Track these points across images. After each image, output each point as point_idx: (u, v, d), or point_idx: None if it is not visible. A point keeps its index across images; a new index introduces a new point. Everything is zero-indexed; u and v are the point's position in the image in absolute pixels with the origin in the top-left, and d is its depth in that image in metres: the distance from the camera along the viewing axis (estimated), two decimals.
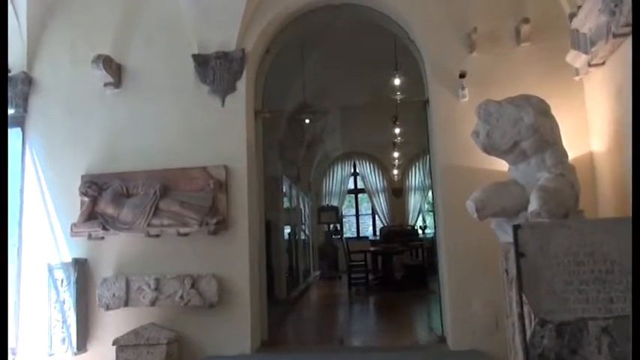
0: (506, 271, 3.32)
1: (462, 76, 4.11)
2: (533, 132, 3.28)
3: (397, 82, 5.98)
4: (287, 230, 9.49)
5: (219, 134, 4.43)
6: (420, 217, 14.54)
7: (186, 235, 4.23)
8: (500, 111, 3.39)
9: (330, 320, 6.42)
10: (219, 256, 4.26)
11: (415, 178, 14.51)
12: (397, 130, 8.82)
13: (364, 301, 8.01)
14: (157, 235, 4.25)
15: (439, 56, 4.29)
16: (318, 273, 12.26)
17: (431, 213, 15.04)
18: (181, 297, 4.12)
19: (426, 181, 14.38)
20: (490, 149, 3.43)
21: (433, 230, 12.67)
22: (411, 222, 14.22)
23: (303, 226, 11.74)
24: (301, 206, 11.46)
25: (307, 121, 7.58)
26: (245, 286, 4.24)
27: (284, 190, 9.33)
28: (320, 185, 14.57)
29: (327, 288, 10.18)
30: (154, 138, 4.49)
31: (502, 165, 3.86)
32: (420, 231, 13.85)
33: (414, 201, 14.45)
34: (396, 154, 11.21)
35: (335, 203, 14.12)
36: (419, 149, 13.77)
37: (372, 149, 14.36)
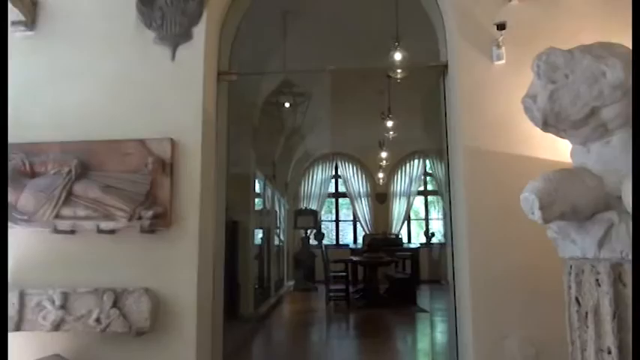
0: (577, 300, 2.24)
1: (501, 28, 3.02)
2: (622, 95, 2.20)
3: (398, 56, 4.90)
4: (259, 235, 8.32)
5: (165, 97, 3.25)
6: (405, 225, 13.54)
7: (110, 232, 3.02)
8: (572, 63, 2.30)
9: (304, 345, 5.25)
10: (156, 264, 3.07)
11: (402, 182, 13.51)
12: (389, 124, 7.73)
13: (344, 320, 6.88)
14: (69, 232, 3.03)
15: (467, 3, 3.21)
16: (292, 283, 11.07)
17: (416, 221, 14.08)
18: (97, 320, 2.91)
19: (413, 186, 13.40)
20: (554, 119, 2.33)
21: (443, 238, 11.67)
22: (394, 230, 13.18)
23: (277, 231, 10.58)
24: (276, 208, 10.29)
25: (287, 104, 6.43)
26: (191, 306, 3.05)
27: (256, 189, 8.17)
28: (298, 187, 13.44)
29: (302, 301, 9.01)
30: (76, 98, 3.27)
31: (559, 151, 2.82)
32: (407, 239, 12.89)
33: (399, 207, 13.42)
34: (383, 154, 10.16)
35: (314, 207, 13.00)
36: (411, 147, 12.81)
37: (356, 150, 13.34)
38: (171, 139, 3.16)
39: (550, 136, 2.90)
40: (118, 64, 3.32)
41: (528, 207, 2.20)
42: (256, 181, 8.35)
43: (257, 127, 6.47)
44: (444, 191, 3.54)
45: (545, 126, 2.40)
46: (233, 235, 6.11)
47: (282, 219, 11.34)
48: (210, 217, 3.37)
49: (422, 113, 7.35)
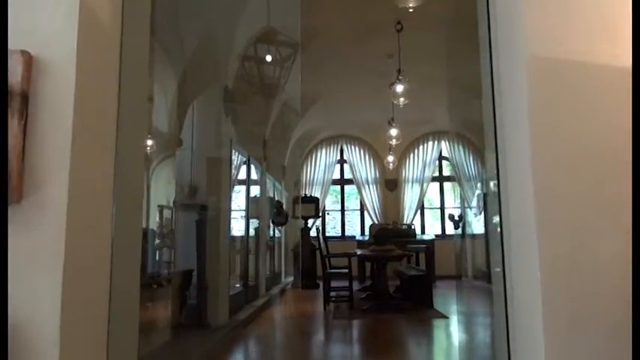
0: None
1: None
2: None
3: None
4: (248, 225, 7.08)
5: None
6: (418, 215, 12.20)
7: None
8: None
9: None
10: None
11: (414, 167, 12.18)
12: (399, 89, 6.34)
13: (345, 329, 5.56)
14: None
15: None
16: (290, 280, 9.82)
17: (430, 210, 12.69)
18: None
19: (427, 172, 12.01)
20: None
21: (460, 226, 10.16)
22: (406, 220, 11.87)
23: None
24: (271, 194, 9.03)
25: (268, 58, 5.11)
26: (51, 334, 1.77)
27: (242, 172, 6.91)
28: (299, 172, 12.20)
29: (297, 303, 7.74)
30: None
31: None
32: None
33: (411, 195, 12.09)
34: (393, 132, 8.80)
35: (317, 195, 11.74)
36: (425, 128, 11.46)
37: (363, 132, 12.09)
38: (26, 54, 1.86)
39: None
40: None
41: None
42: (242, 163, 7.09)
43: (231, 91, 5.15)
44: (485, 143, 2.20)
45: None
46: (202, 225, 4.87)
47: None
48: (105, 186, 2.08)
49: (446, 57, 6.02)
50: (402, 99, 6.24)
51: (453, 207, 12.41)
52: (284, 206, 10.62)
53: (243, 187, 7.55)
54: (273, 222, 7.70)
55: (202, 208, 4.94)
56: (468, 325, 5.15)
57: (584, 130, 1.72)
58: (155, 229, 6.58)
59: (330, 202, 13.08)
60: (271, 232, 9.14)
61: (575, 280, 1.63)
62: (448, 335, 4.96)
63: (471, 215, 10.57)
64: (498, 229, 2.19)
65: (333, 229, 13.06)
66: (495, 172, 2.13)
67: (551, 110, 1.74)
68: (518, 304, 1.87)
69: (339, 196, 12.99)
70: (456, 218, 10.40)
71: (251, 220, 7.44)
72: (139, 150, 2.37)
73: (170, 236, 6.55)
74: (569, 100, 1.73)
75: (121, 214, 2.18)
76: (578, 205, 1.66)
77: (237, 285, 6.18)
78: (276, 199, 7.96)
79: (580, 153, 1.70)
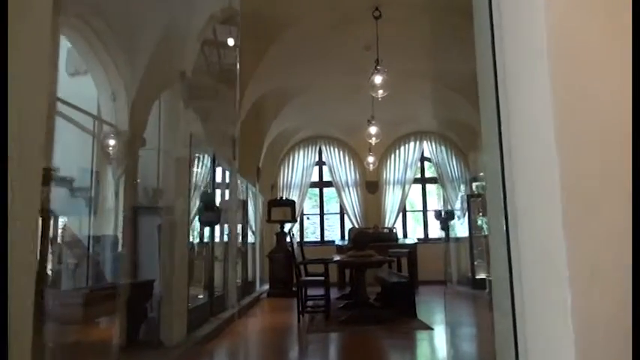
0: None
1: None
2: None
3: None
4: (213, 231, 6.51)
5: None
6: (400, 219, 11.77)
7: None
8: None
9: None
10: None
11: (396, 168, 11.76)
12: (377, 80, 5.86)
13: (319, 344, 5.04)
14: None
15: None
16: (265, 289, 9.27)
17: (412, 213, 12.27)
18: None
19: (409, 173, 11.59)
20: None
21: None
22: (388, 223, 11.44)
23: (247, 225, 8.78)
24: (243, 197, 8.48)
25: (230, 42, 4.60)
26: None
27: (211, 172, 6.36)
28: (276, 175, 11.70)
29: (270, 313, 7.20)
30: None
31: None
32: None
33: (392, 198, 11.67)
34: (373, 130, 8.33)
35: (295, 198, 11.23)
36: (406, 128, 11.08)
37: (342, 132, 11.65)
38: None
39: None
40: None
41: None
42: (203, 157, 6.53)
43: (192, 81, 4.62)
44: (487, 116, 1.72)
45: None
46: (160, 231, 4.32)
47: (253, 211, 9.54)
48: None
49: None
50: (380, 91, 5.75)
51: (435, 209, 12.04)
52: (259, 211, 10.07)
53: (218, 191, 7.03)
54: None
55: (162, 211, 4.42)
56: (450, 337, 4.71)
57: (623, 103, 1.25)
58: (120, 235, 5.96)
59: (309, 206, 12.58)
60: (245, 238, 8.60)
61: (618, 304, 1.15)
62: (434, 350, 4.48)
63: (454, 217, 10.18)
64: (484, 233, 1.72)
65: (312, 234, 12.57)
66: (488, 165, 1.65)
67: (581, 69, 1.27)
68: (533, 328, 1.38)
69: (318, 200, 12.49)
70: (443, 216, 9.73)
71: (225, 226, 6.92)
72: (36, 125, 1.81)
73: (133, 243, 5.95)
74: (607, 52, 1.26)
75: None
76: (619, 198, 1.19)
77: (201, 296, 5.63)
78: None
79: (621, 131, 1.23)
